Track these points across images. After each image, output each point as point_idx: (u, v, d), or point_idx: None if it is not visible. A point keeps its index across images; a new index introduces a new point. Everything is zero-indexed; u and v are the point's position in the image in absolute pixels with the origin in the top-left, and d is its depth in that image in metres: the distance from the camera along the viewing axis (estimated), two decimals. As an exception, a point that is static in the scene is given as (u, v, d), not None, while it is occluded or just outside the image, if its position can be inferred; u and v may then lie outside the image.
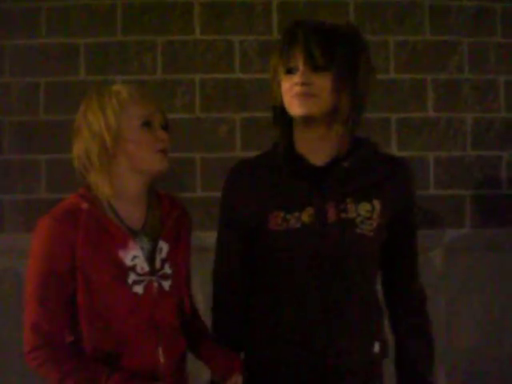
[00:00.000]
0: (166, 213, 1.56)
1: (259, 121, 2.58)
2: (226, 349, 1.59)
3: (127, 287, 1.45)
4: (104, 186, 1.48)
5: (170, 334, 1.51)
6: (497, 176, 2.69)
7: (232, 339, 1.64)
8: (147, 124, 1.48)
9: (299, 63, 1.47)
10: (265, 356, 1.58)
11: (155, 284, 1.49)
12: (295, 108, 1.48)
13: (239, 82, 2.64)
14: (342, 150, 1.54)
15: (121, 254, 1.46)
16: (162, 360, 1.48)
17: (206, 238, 1.94)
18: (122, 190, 1.50)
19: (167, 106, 2.42)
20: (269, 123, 1.61)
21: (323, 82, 1.47)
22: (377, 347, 1.57)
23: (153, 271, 1.49)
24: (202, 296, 2.07)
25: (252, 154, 1.70)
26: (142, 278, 1.47)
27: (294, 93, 1.48)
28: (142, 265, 1.48)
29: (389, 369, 1.64)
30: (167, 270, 1.52)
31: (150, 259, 1.50)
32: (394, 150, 2.63)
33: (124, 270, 1.45)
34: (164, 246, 1.53)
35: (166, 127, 1.53)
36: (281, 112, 1.55)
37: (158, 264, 1.50)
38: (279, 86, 1.53)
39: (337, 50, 1.46)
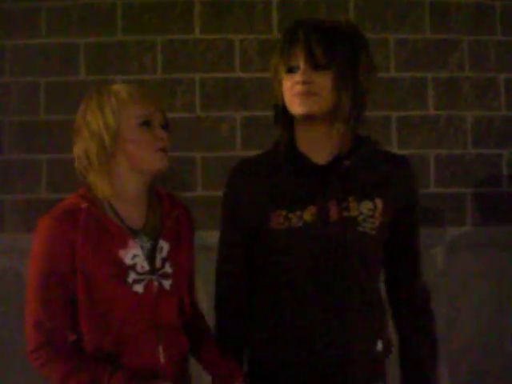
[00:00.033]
0: (167, 212, 1.56)
1: (260, 120, 2.58)
2: (228, 356, 1.58)
3: (127, 286, 1.45)
4: (104, 185, 1.48)
5: (171, 334, 1.51)
6: (497, 174, 2.69)
7: (234, 338, 1.64)
8: (146, 123, 1.48)
9: (300, 62, 1.47)
10: (265, 356, 1.58)
11: (155, 283, 1.49)
12: (296, 107, 1.48)
13: (239, 81, 2.63)
14: (344, 149, 1.54)
15: (121, 253, 1.46)
16: (162, 360, 1.48)
17: (208, 237, 1.94)
18: (122, 189, 1.50)
19: (167, 105, 2.41)
20: (270, 122, 1.61)
21: (324, 81, 1.47)
22: (380, 345, 1.57)
23: (153, 270, 1.49)
24: (204, 295, 2.06)
25: (253, 153, 1.69)
26: (142, 276, 1.47)
27: (295, 91, 1.48)
28: (142, 264, 1.48)
29: (392, 369, 1.64)
30: (168, 269, 1.51)
31: (151, 258, 1.50)
32: (395, 149, 2.62)
33: (124, 269, 1.45)
34: (164, 245, 1.52)
35: (166, 126, 1.52)
36: (282, 111, 1.55)
37: (158, 263, 1.50)
38: (280, 84, 1.53)
39: (337, 49, 1.46)
